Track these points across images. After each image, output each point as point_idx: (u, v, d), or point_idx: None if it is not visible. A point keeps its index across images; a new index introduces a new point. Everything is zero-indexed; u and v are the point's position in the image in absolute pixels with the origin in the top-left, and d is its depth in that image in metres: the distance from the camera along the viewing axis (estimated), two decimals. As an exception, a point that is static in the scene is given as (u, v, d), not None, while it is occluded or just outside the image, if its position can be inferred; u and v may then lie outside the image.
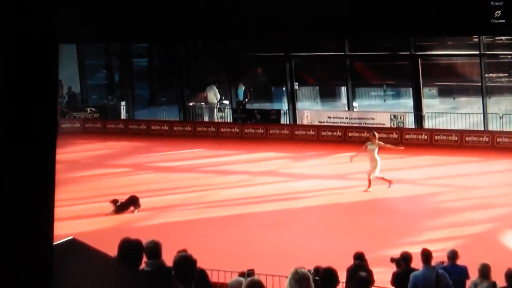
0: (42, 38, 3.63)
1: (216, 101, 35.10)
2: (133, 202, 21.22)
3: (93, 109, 36.06)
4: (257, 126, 32.79)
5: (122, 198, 21.07)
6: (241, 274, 11.20)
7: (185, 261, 7.46)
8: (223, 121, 34.80)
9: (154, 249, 7.78)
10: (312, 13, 8.98)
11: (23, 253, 3.67)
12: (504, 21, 8.39)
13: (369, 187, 22.73)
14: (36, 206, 3.70)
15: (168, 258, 7.93)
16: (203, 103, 35.41)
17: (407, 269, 11.95)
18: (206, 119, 35.26)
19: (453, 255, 12.29)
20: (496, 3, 8.37)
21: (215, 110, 35.12)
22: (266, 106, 35.40)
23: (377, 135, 23.52)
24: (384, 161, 26.53)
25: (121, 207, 20.98)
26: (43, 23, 3.62)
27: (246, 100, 34.82)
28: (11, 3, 3.54)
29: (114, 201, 20.99)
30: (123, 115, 36.28)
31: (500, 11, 8.37)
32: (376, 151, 22.94)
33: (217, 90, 35.02)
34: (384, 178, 22.85)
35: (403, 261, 12.08)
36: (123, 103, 36.56)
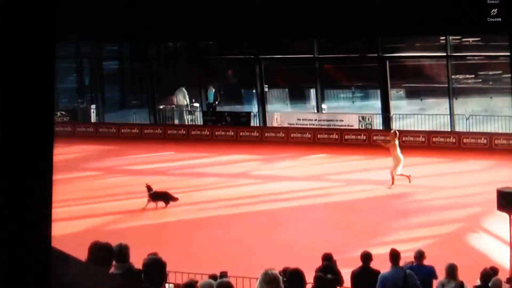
0: (40, 38, 3.65)
1: (186, 104, 35.06)
2: (165, 197, 21.39)
3: (63, 112, 35.87)
4: (227, 129, 32.82)
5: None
6: (212, 277, 11.24)
7: (154, 264, 7.47)
8: (194, 123, 34.78)
9: (122, 252, 7.79)
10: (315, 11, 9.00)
11: (21, 254, 3.69)
12: (500, 19, 8.48)
13: (392, 184, 23.00)
14: (34, 206, 3.72)
15: (139, 261, 7.95)
16: (174, 106, 35.37)
17: (366, 268, 12.04)
18: (176, 121, 35.23)
19: (419, 255, 12.35)
20: (492, 2, 8.47)
21: (185, 112, 35.10)
22: (236, 108, 35.42)
23: (397, 133, 23.74)
24: (353, 162, 26.73)
25: (154, 196, 21.24)
26: (40, 23, 3.63)
27: (216, 102, 34.83)
28: (8, 3, 3.55)
29: (149, 187, 21.30)
30: (93, 119, 36.14)
31: (496, 10, 8.46)
32: (398, 149, 23.14)
33: (186, 92, 34.97)
34: (403, 174, 23.19)
35: (362, 260, 12.15)
36: (93, 106, 36.43)
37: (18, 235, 3.60)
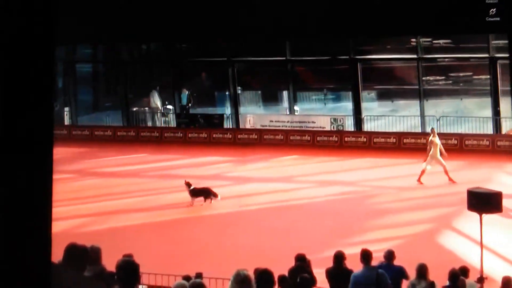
0: (39, 40, 3.65)
1: (158, 106, 34.99)
2: (206, 193, 21.63)
3: (37, 115, 35.64)
4: (200, 131, 32.80)
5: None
6: (185, 278, 11.24)
7: (127, 266, 7.49)
8: (167, 125, 34.73)
9: (94, 254, 7.79)
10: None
11: (21, 254, 3.69)
12: (499, 18, 8.51)
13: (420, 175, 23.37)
14: (34, 206, 3.72)
15: (113, 263, 7.96)
16: (147, 108, 35.29)
17: (339, 267, 12.09)
18: (149, 124, 35.16)
19: (389, 255, 12.38)
20: (491, 1, 8.49)
21: (159, 115, 35.03)
22: (210, 110, 35.41)
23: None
24: (325, 164, 26.82)
25: (194, 192, 21.56)
26: (40, 25, 3.63)
27: (190, 104, 34.80)
28: (7, 4, 3.55)
29: (188, 184, 21.58)
30: (67, 121, 35.96)
31: (494, 9, 8.48)
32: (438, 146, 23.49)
33: (157, 94, 34.87)
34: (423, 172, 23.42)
35: (335, 259, 12.20)
36: (66, 108, 36.24)
37: (17, 236, 3.61)
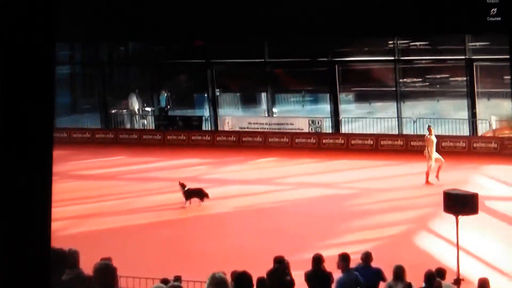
0: (39, 38, 3.65)
1: (137, 108, 34.90)
2: (199, 194, 21.57)
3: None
4: (179, 133, 32.75)
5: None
6: (164, 281, 11.24)
7: (104, 269, 7.48)
8: (145, 128, 34.65)
9: (71, 258, 7.77)
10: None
11: (21, 254, 3.69)
12: (499, 18, 8.52)
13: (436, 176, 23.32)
14: (34, 206, 3.72)
15: (91, 266, 7.94)
16: (125, 110, 35.20)
17: (317, 270, 12.11)
18: (128, 126, 35.06)
19: (366, 257, 12.40)
20: (492, 1, 8.51)
21: (137, 117, 34.95)
22: (188, 112, 35.37)
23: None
24: (303, 165, 26.88)
25: (188, 193, 21.49)
26: (40, 23, 3.63)
27: (169, 107, 34.75)
28: (8, 3, 3.55)
29: (182, 185, 21.52)
30: (45, 123, 35.76)
31: (495, 9, 8.50)
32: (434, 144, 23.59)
33: (135, 96, 34.77)
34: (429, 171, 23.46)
35: (314, 262, 12.22)
36: (44, 111, 36.05)
37: (17, 236, 3.61)
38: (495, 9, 8.38)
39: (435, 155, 23.52)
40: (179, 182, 21.93)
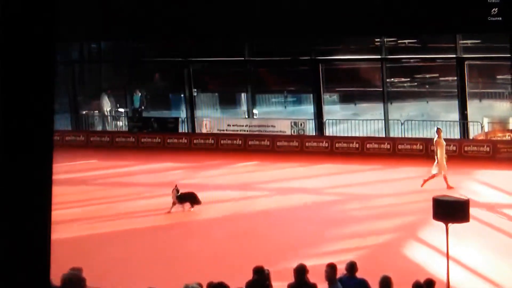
0: (40, 38, 3.64)
1: (107, 109, 34.76)
2: (191, 198, 21.75)
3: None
4: (154, 135, 32.67)
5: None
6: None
7: (72, 279, 7.43)
8: (118, 130, 34.53)
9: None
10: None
11: (21, 255, 3.72)
12: (500, 18, 8.59)
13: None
14: (34, 208, 3.78)
15: (59, 277, 7.87)
16: (97, 111, 35.07)
17: (300, 282, 12.08)
18: (100, 128, 34.94)
19: (351, 267, 12.38)
20: (493, 1, 8.57)
21: (109, 118, 34.83)
22: (164, 114, 35.30)
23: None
24: (285, 170, 26.87)
25: (181, 198, 21.71)
26: (40, 22, 3.62)
27: (143, 107, 34.66)
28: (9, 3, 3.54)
29: (177, 189, 21.81)
30: (11, 125, 35.58)
31: (496, 9, 8.56)
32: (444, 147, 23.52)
33: (107, 97, 34.64)
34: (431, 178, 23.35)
35: (296, 273, 12.18)
36: (11, 112, 35.87)
37: (17, 237, 3.61)
38: (496, 9, 8.44)
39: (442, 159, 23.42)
40: (175, 186, 22.05)
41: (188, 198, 21.93)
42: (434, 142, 23.83)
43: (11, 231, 3.76)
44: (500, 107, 32.63)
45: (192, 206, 21.90)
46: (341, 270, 12.38)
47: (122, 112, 35.01)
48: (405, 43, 31.77)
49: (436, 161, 23.30)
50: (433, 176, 23.26)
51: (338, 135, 30.74)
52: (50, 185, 3.86)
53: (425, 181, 23.27)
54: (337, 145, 29.75)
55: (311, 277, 12.19)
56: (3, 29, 3.64)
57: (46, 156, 3.84)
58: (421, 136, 29.45)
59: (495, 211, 21.23)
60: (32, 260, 3.84)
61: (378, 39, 30.60)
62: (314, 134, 31.23)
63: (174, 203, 21.83)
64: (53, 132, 3.84)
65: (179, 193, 21.92)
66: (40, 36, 3.72)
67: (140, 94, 34.56)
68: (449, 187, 22.95)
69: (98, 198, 23.78)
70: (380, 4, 8.78)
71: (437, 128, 24.33)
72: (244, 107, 34.02)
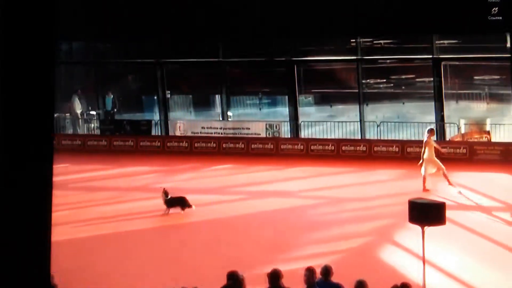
0: (40, 37, 3.68)
1: (80, 112, 34.65)
2: (181, 202, 21.85)
3: None
4: (126, 138, 32.59)
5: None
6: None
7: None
8: (90, 133, 34.43)
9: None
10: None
11: (22, 255, 3.77)
12: (501, 18, 8.67)
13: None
14: (34, 210, 3.83)
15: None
16: (68, 114, 34.92)
17: (275, 287, 12.13)
18: (70, 131, 34.80)
19: (326, 272, 12.45)
20: (493, 0, 8.66)
21: (81, 121, 34.72)
22: (136, 116, 35.24)
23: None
24: (260, 173, 26.92)
25: (170, 202, 21.86)
26: (40, 22, 3.65)
27: (115, 110, 34.59)
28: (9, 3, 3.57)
29: (165, 192, 21.92)
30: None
31: (496, 8, 8.65)
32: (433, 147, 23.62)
33: (77, 99, 34.51)
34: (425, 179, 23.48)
35: (270, 278, 12.23)
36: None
37: (17, 238, 3.66)
38: (496, 8, 8.54)
39: (433, 160, 23.51)
40: (163, 189, 22.07)
41: (178, 202, 22.01)
42: (425, 142, 23.81)
43: (11, 232, 3.82)
44: (477, 108, 32.85)
45: (183, 210, 21.93)
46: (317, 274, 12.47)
47: (93, 114, 34.91)
48: (380, 43, 31.89)
49: (421, 160, 23.46)
50: (443, 173, 23.47)
51: (313, 137, 30.84)
52: (50, 185, 3.93)
53: (447, 180, 23.52)
54: (312, 147, 29.83)
55: (286, 282, 12.26)
56: (3, 29, 3.69)
57: (47, 157, 3.90)
58: (397, 138, 29.58)
59: (472, 213, 21.39)
60: (32, 260, 3.91)
61: (354, 40, 30.71)
62: (289, 136, 31.29)
63: (164, 204, 22.01)
64: (53, 132, 3.89)
65: (168, 197, 21.98)
66: (40, 36, 3.77)
67: (112, 96, 34.49)
68: (424, 189, 23.20)
69: (69, 203, 23.66)
70: (380, 4, 8.88)
71: (431, 129, 24.47)
72: (218, 109, 34.04)
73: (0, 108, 3.77)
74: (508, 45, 28.32)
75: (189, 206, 21.99)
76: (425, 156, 23.46)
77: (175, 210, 21.93)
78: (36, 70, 3.85)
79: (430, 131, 24.05)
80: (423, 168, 23.47)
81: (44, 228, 3.98)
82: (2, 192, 3.86)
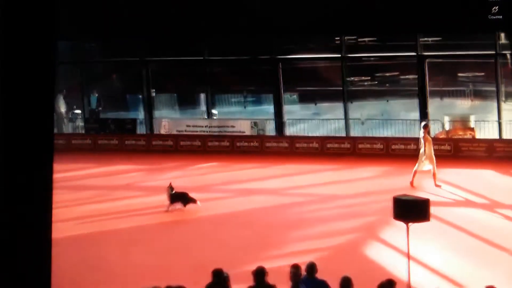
0: (40, 37, 3.66)
1: (64, 111, 34.52)
2: (183, 198, 21.91)
3: None
4: (111, 137, 32.52)
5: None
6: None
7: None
8: (75, 132, 34.34)
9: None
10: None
11: (22, 254, 3.76)
12: (501, 17, 8.68)
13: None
14: (35, 208, 3.80)
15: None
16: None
17: (260, 284, 12.12)
18: (55, 130, 34.68)
19: (311, 268, 12.45)
20: None
21: (65, 120, 34.60)
22: (121, 115, 35.16)
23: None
24: (245, 171, 26.91)
25: (174, 197, 21.91)
26: (40, 22, 3.64)
27: (100, 108, 34.50)
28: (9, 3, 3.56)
29: (171, 187, 21.94)
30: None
31: (497, 7, 8.66)
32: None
33: (62, 98, 34.37)
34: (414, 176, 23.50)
35: (255, 276, 12.22)
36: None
37: (18, 237, 3.64)
38: (497, 7, 8.54)
39: (430, 156, 23.52)
40: (169, 184, 22.12)
41: (181, 198, 22.06)
42: (423, 138, 23.76)
43: (11, 230, 3.80)
44: (461, 105, 32.97)
45: (185, 205, 22.02)
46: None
47: (78, 113, 34.81)
48: (365, 41, 31.95)
49: (424, 157, 23.45)
50: (433, 173, 23.49)
51: (298, 135, 30.84)
52: (50, 184, 3.89)
53: (435, 181, 23.51)
54: (297, 145, 29.84)
55: (271, 279, 12.26)
56: (3, 29, 3.67)
57: (47, 156, 3.86)
58: (381, 135, 29.62)
59: (456, 210, 21.45)
60: (33, 259, 3.89)
61: (338, 38, 30.73)
62: (274, 134, 31.28)
63: (168, 200, 22.06)
64: (53, 131, 3.85)
65: (173, 192, 22.03)
66: (41, 36, 3.76)
67: (97, 95, 34.41)
68: (412, 185, 23.27)
69: (54, 202, 23.54)
70: (380, 4, 8.87)
71: (425, 124, 24.49)
72: (203, 108, 33.99)
73: (1, 107, 3.76)
74: (496, 42, 28.38)
75: (194, 201, 22.01)
76: (426, 152, 23.45)
77: (175, 207, 22.00)
78: (37, 70, 3.83)
79: (425, 127, 24.08)
80: (418, 164, 23.48)
81: (45, 228, 3.95)
82: (4, 192, 3.84)
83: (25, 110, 3.82)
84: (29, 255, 3.93)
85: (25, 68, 3.81)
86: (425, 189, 22.82)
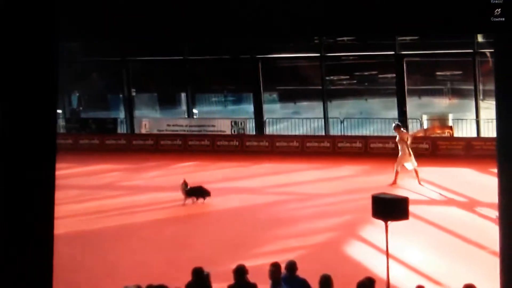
0: (41, 38, 3.66)
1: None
2: (201, 192, 22.32)
3: None
4: (92, 136, 32.44)
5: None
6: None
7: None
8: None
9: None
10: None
11: (24, 253, 3.77)
12: (503, 19, 8.67)
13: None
14: (37, 206, 3.80)
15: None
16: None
17: (240, 283, 12.11)
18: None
19: (291, 267, 12.43)
20: (496, 1, 8.65)
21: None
22: (102, 114, 35.04)
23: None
24: (225, 170, 26.88)
25: (190, 192, 22.27)
26: (41, 22, 3.63)
27: (80, 108, 34.38)
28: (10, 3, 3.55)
29: (185, 183, 22.27)
30: None
31: (500, 9, 8.64)
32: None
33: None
34: (396, 175, 23.56)
35: (236, 274, 12.20)
36: None
37: (20, 235, 3.64)
38: (499, 9, 8.55)
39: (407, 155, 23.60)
40: (183, 180, 22.37)
41: (198, 192, 22.37)
42: (401, 138, 23.79)
43: (13, 228, 3.80)
44: (439, 104, 33.07)
45: (204, 199, 22.42)
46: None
47: (59, 113, 34.66)
48: (344, 40, 31.98)
49: (409, 156, 23.51)
50: (416, 171, 23.56)
51: (278, 134, 30.86)
52: (53, 183, 3.88)
53: (418, 179, 23.55)
54: (277, 144, 29.86)
55: (251, 278, 12.24)
56: (4, 30, 3.66)
57: (49, 156, 3.87)
58: (360, 133, 29.68)
59: (435, 208, 21.52)
60: (35, 256, 3.90)
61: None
62: (254, 133, 31.29)
63: (185, 198, 22.37)
64: (56, 131, 3.86)
65: (188, 188, 22.29)
66: (42, 36, 3.75)
67: (77, 94, 34.29)
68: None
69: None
70: (381, 4, 8.86)
71: (397, 124, 24.52)
72: (183, 107, 33.96)
73: (4, 107, 3.76)
74: (474, 40, 28.46)
75: (209, 194, 22.42)
76: (401, 152, 23.53)
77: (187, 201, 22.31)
78: (38, 70, 3.83)
79: (395, 128, 24.10)
80: (399, 163, 23.53)
81: (47, 226, 3.95)
82: (6, 192, 3.84)
83: (27, 110, 3.82)
84: (31, 254, 3.94)
85: (27, 68, 3.81)
86: (404, 187, 22.87)
